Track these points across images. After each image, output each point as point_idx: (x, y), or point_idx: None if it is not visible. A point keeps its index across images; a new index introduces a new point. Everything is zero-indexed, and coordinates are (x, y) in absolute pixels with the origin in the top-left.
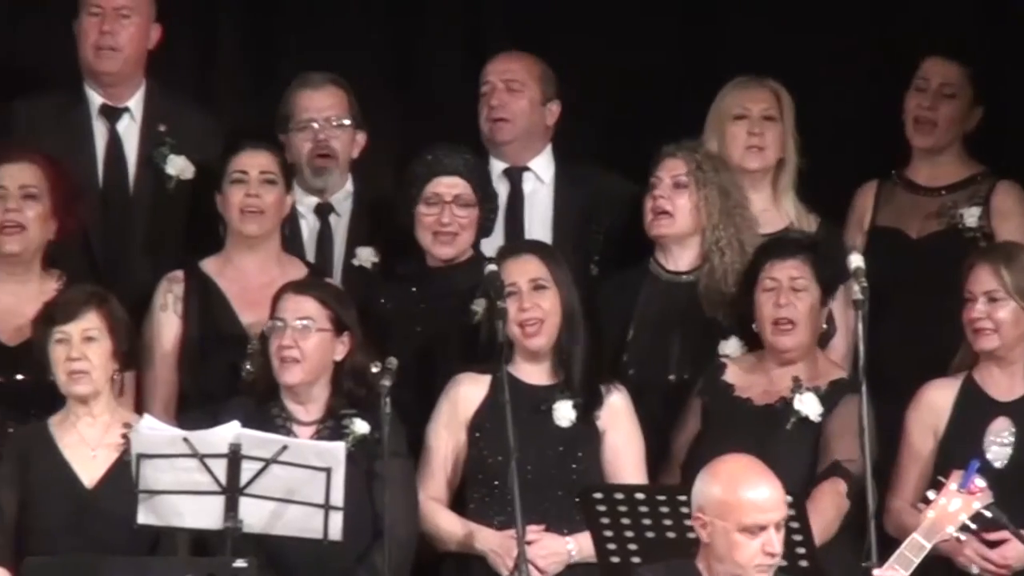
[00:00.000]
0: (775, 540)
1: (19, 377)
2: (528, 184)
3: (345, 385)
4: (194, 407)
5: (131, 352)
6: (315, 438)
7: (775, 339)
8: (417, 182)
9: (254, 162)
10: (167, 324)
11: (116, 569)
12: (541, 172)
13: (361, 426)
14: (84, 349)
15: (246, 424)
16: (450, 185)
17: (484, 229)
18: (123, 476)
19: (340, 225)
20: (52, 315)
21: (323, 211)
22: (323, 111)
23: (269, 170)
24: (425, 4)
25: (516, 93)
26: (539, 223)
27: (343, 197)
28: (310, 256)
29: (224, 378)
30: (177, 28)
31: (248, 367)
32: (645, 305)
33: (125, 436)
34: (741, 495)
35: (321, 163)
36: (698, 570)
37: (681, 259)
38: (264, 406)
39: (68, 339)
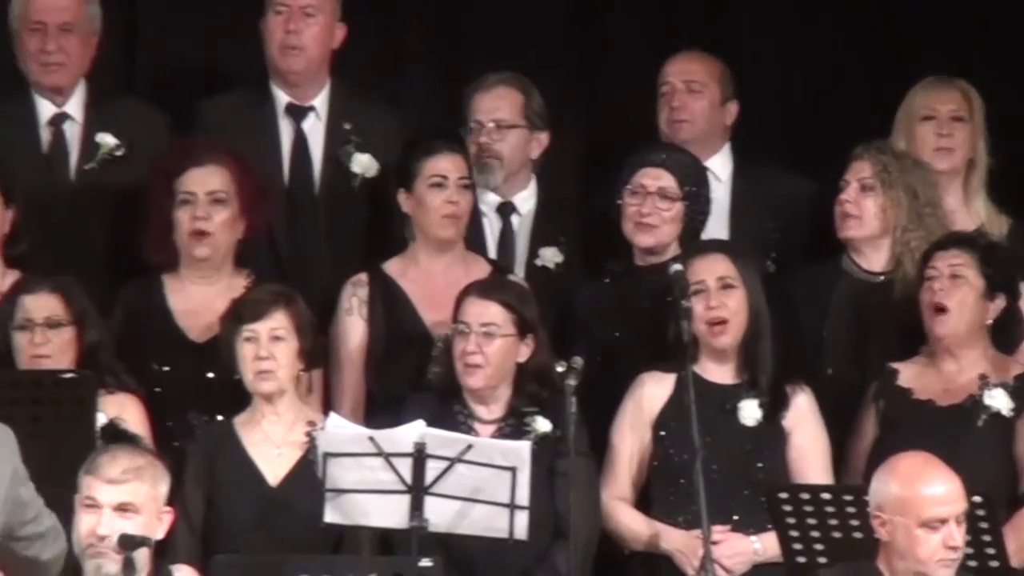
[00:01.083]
0: (956, 534)
1: (209, 375)
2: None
3: (528, 386)
4: (381, 408)
5: (316, 351)
6: (496, 436)
7: (929, 325)
8: (624, 173)
9: (453, 166)
10: (353, 327)
11: (302, 567)
12: (719, 171)
13: (543, 424)
14: (272, 348)
15: (429, 422)
16: (655, 176)
17: (692, 230)
18: (307, 474)
19: (523, 225)
20: (240, 313)
21: (505, 211)
22: (491, 112)
23: (465, 175)
24: (612, 4)
25: (696, 94)
26: (715, 221)
27: (526, 197)
28: (492, 255)
29: (409, 379)
30: (364, 27)
31: (433, 369)
32: (839, 304)
33: (309, 434)
34: (920, 490)
35: (485, 163)
36: (879, 571)
37: (874, 260)
38: (446, 404)
39: (256, 338)
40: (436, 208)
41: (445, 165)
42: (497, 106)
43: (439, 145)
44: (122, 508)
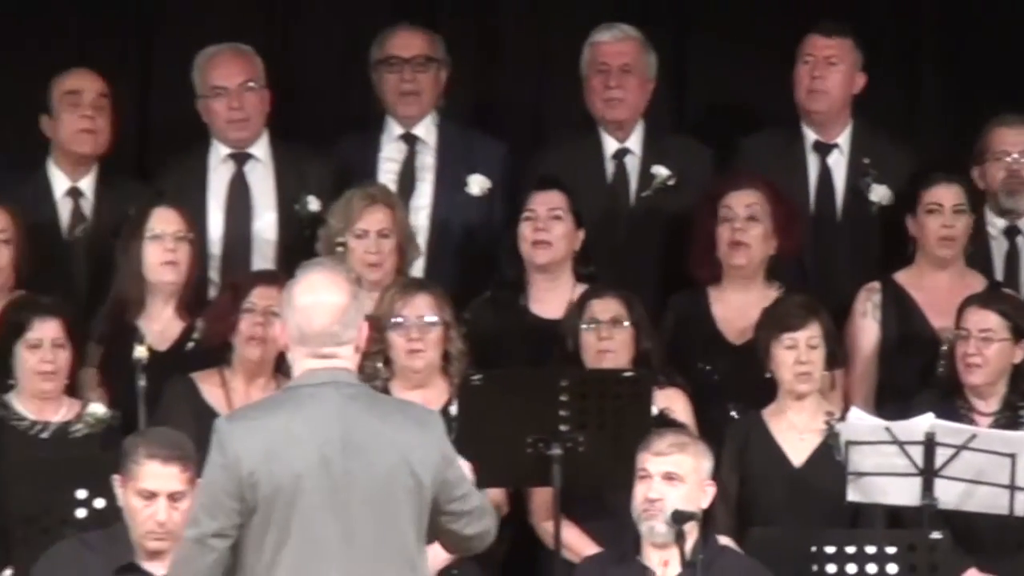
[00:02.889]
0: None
1: (745, 372)
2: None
3: (1022, 384)
4: (889, 401)
5: (836, 353)
6: (991, 427)
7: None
8: None
9: (948, 194)
10: (867, 329)
11: (827, 539)
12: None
13: None
14: (809, 355)
15: (936, 414)
16: None
17: None
18: (826, 457)
19: None
20: (780, 321)
21: (1011, 233)
22: (1016, 145)
23: (960, 202)
24: None
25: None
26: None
27: None
28: (998, 275)
29: (916, 375)
30: (883, 74)
31: (941, 366)
32: None
33: (827, 423)
34: None
35: (1015, 189)
36: None
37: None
38: (949, 399)
39: (796, 345)
40: (933, 231)
41: (941, 194)
42: (1022, 140)
43: (936, 177)
44: (668, 477)
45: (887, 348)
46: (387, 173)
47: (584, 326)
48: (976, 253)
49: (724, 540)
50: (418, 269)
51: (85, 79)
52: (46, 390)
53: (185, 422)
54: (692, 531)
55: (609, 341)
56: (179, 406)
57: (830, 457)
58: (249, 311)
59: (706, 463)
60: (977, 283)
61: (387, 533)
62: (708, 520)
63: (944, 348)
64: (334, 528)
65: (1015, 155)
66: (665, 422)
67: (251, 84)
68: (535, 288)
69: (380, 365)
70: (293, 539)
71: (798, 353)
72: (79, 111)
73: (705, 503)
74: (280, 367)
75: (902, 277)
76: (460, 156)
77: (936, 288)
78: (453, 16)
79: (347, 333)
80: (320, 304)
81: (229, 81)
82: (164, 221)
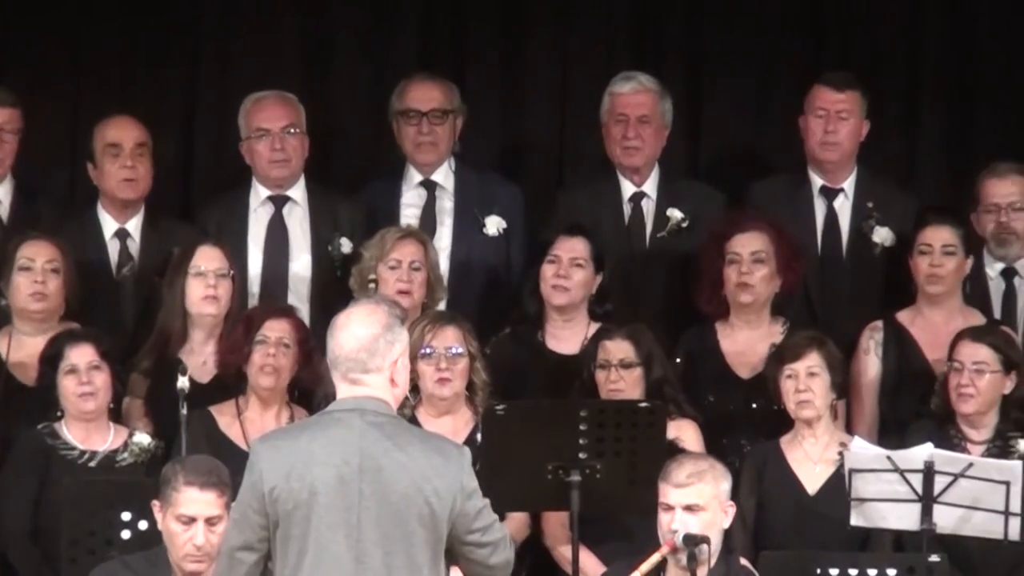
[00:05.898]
0: None
1: (753, 405)
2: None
3: (1012, 413)
4: (890, 430)
5: (843, 384)
6: (984, 455)
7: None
8: None
9: (937, 235)
10: (869, 365)
11: (832, 562)
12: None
13: None
14: (808, 383)
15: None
16: None
17: None
18: (839, 486)
19: (1023, 287)
20: (782, 355)
21: (1008, 274)
22: (1005, 196)
23: (950, 243)
24: None
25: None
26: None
27: None
28: (996, 314)
29: (914, 406)
30: (886, 120)
31: (934, 399)
32: None
33: (840, 453)
34: None
35: (1004, 238)
36: None
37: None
38: (943, 428)
39: (796, 375)
40: (923, 270)
41: (930, 235)
42: (1011, 191)
43: (928, 219)
44: (689, 508)
45: (887, 382)
46: (409, 218)
47: (597, 366)
48: (975, 293)
49: (743, 561)
50: (440, 305)
51: (124, 129)
52: (88, 410)
53: (205, 452)
54: (710, 553)
55: (619, 382)
56: (199, 438)
57: (843, 486)
58: (262, 343)
59: (725, 485)
60: (975, 320)
61: (398, 558)
62: (727, 540)
63: (939, 382)
64: (346, 546)
65: (1004, 206)
66: (674, 452)
67: (293, 129)
68: (552, 325)
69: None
70: (311, 553)
71: (797, 382)
72: (119, 161)
73: (727, 523)
74: (293, 396)
75: (903, 316)
76: (477, 199)
77: (934, 325)
78: (478, 63)
79: (374, 361)
80: (352, 331)
81: (273, 124)
82: (207, 259)
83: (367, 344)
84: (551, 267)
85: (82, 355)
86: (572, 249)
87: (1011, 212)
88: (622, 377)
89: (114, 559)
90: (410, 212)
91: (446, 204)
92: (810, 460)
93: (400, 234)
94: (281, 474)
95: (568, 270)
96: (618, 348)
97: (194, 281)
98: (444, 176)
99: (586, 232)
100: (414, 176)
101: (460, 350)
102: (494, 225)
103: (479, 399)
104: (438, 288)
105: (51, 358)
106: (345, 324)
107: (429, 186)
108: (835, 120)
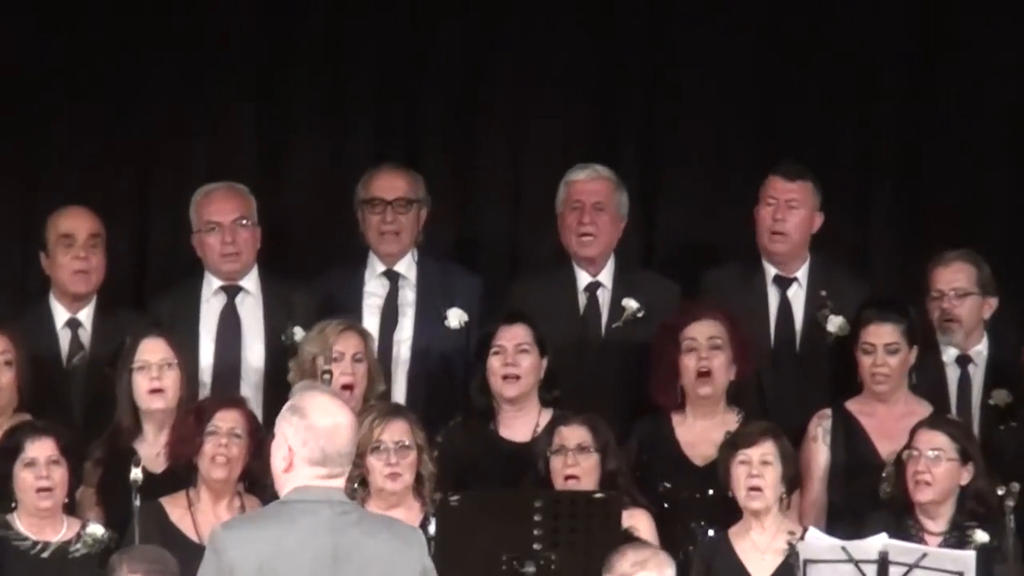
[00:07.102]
0: None
1: (709, 492)
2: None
3: (969, 504)
4: (839, 521)
5: (796, 476)
6: (941, 546)
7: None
8: None
9: (880, 333)
10: (818, 453)
11: None
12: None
13: (982, 536)
14: (763, 470)
15: (888, 534)
16: None
17: None
18: (787, 575)
19: (977, 374)
20: (736, 441)
21: (962, 361)
22: (950, 283)
23: (893, 340)
24: None
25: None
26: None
27: (979, 350)
28: (952, 400)
29: (863, 497)
30: (839, 209)
31: (885, 488)
32: None
33: (789, 543)
34: None
35: (947, 326)
36: None
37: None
38: (900, 519)
39: (749, 461)
40: (867, 369)
41: (872, 333)
42: (956, 278)
43: (869, 316)
44: None
45: (836, 471)
46: (371, 308)
47: (552, 452)
48: (930, 379)
49: None
50: (399, 395)
51: (78, 220)
52: (45, 507)
53: (157, 544)
54: None
55: (576, 467)
56: (151, 530)
57: (791, 575)
58: (213, 433)
59: (669, 572)
60: (923, 410)
61: None
62: None
63: (887, 471)
64: None
65: (947, 292)
66: (628, 540)
67: (244, 221)
68: (503, 415)
69: (356, 486)
70: None
71: (751, 467)
72: (72, 252)
73: None
74: (244, 486)
75: (852, 404)
76: (438, 291)
77: (883, 415)
78: (434, 154)
79: (354, 453)
80: (340, 426)
81: (223, 217)
82: (150, 351)
83: (353, 437)
84: (498, 358)
85: (42, 449)
86: (515, 336)
87: (954, 299)
88: (578, 462)
89: None
90: (372, 302)
91: (408, 295)
92: (758, 551)
93: (342, 327)
94: (252, 568)
95: (515, 357)
96: (574, 434)
97: (139, 375)
98: (407, 267)
99: (526, 318)
100: (377, 266)
101: (408, 443)
102: (455, 318)
103: (426, 490)
104: (378, 380)
105: (9, 450)
106: (330, 420)
107: (392, 277)
108: (784, 209)
